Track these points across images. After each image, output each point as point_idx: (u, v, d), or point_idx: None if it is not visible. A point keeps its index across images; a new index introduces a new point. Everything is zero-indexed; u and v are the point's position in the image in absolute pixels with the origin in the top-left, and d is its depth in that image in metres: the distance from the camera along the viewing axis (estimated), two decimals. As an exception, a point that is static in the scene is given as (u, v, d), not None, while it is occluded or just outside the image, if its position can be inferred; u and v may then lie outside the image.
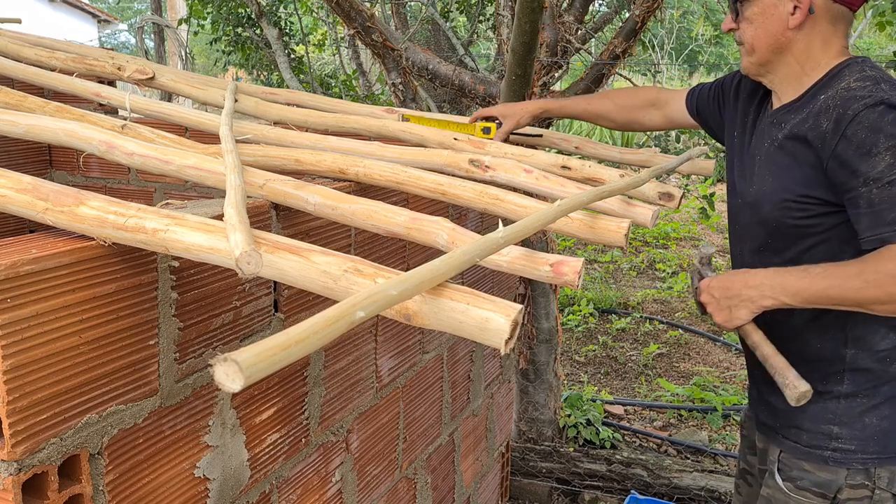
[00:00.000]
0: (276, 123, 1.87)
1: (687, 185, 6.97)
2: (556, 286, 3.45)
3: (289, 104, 2.02)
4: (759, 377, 1.61)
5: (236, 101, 1.78)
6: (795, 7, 1.47)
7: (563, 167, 1.55)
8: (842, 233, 1.43)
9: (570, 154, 1.90)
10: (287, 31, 5.60)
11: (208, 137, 1.68)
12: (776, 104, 1.56)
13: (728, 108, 1.72)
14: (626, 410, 4.07)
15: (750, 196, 1.55)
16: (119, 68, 1.99)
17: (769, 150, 1.53)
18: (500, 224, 0.92)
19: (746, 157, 1.60)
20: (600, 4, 4.55)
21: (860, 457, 1.48)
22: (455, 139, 1.68)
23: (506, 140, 1.90)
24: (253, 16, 5.40)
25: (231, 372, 0.54)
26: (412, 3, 5.25)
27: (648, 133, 4.93)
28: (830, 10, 1.47)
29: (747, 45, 1.55)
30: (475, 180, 1.31)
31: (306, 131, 1.85)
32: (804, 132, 1.44)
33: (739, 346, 4.93)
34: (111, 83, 2.20)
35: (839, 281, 1.35)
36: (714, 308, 1.48)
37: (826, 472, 1.51)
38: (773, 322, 1.49)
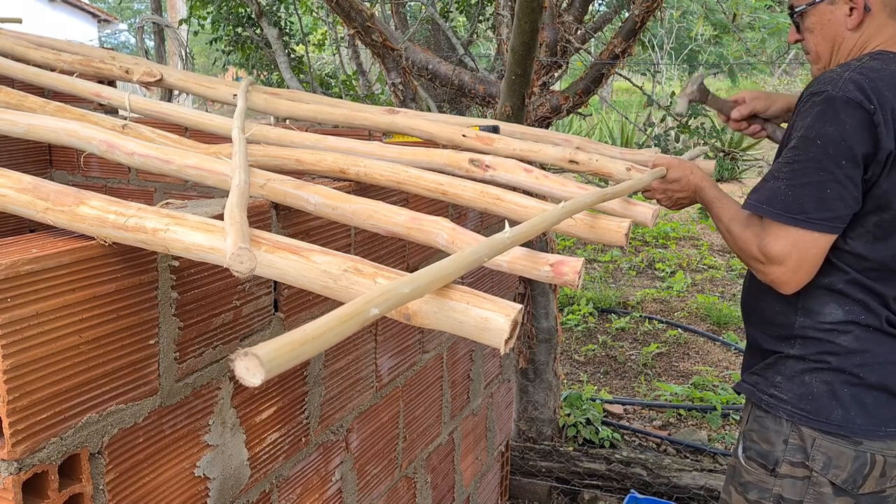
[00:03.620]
0: (285, 120, 1.87)
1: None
2: (555, 286, 3.45)
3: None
4: (749, 337, 1.76)
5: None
6: (852, 8, 1.53)
7: (571, 161, 1.56)
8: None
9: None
10: (287, 30, 5.60)
11: (208, 137, 1.68)
12: None
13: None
14: (625, 410, 4.07)
15: None
16: (127, 71, 1.99)
17: None
18: (507, 225, 0.93)
19: None
20: (600, 4, 4.55)
21: (789, 409, 1.58)
22: (463, 136, 1.67)
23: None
24: (253, 15, 5.39)
25: (252, 366, 0.55)
26: (412, 3, 5.25)
27: (648, 133, 4.93)
28: (888, 4, 1.53)
29: (812, 53, 1.63)
30: (476, 180, 1.31)
31: (311, 129, 1.85)
32: None
33: (739, 346, 4.93)
34: (111, 83, 2.20)
35: (724, 215, 1.62)
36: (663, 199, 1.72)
37: (765, 440, 1.61)
38: (746, 288, 1.74)
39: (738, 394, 1.72)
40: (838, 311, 1.55)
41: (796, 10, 1.62)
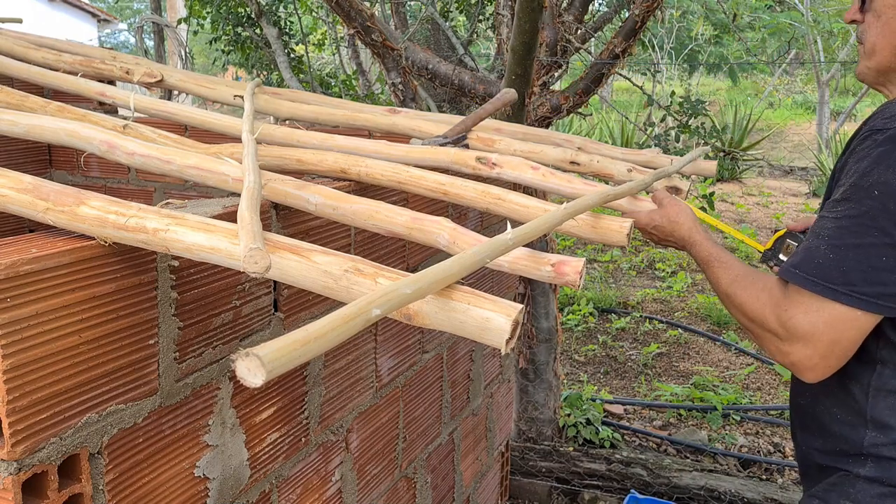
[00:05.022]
0: (286, 120, 1.86)
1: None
2: (555, 286, 3.45)
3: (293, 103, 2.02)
4: (802, 455, 1.47)
5: (243, 97, 1.77)
6: None
7: (572, 162, 1.56)
8: None
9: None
10: (287, 30, 5.60)
11: (208, 136, 1.68)
12: None
13: None
14: (625, 410, 4.07)
15: None
16: (127, 72, 1.99)
17: None
18: (509, 225, 0.92)
19: None
20: (600, 4, 4.55)
21: None
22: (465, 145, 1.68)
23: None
24: (252, 15, 5.39)
25: (253, 367, 0.55)
26: (412, 3, 5.25)
27: (648, 133, 4.93)
28: None
29: (868, 44, 1.29)
30: (482, 178, 1.31)
31: (312, 128, 1.85)
32: None
33: (739, 346, 4.93)
34: (111, 83, 2.20)
35: (722, 277, 1.35)
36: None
37: None
38: (796, 386, 1.43)
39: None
40: None
41: None
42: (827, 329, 1.17)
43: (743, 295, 1.28)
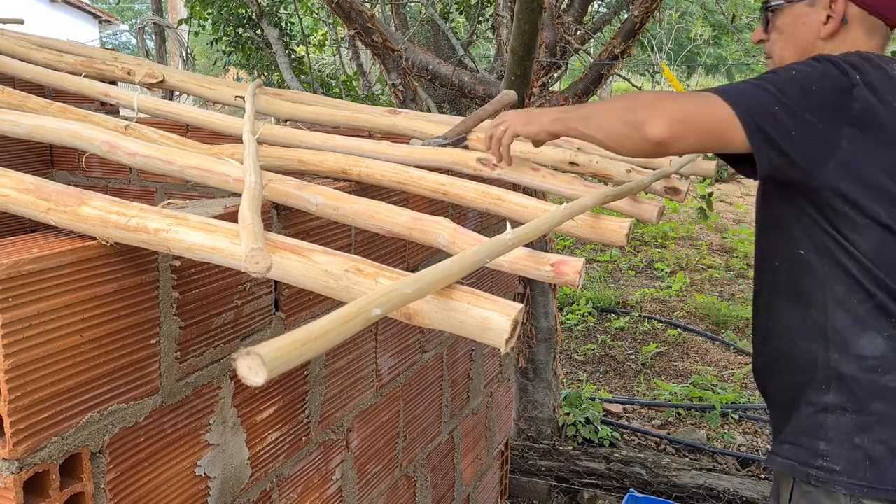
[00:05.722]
0: (286, 121, 1.87)
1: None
2: (555, 285, 3.45)
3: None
4: (771, 402, 1.53)
5: (244, 98, 1.78)
6: (829, 16, 1.40)
7: (572, 163, 1.56)
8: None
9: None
10: (287, 31, 5.60)
11: (209, 137, 1.68)
12: None
13: None
14: (624, 409, 4.07)
15: None
16: (129, 73, 2.00)
17: None
18: (508, 226, 0.93)
19: None
20: (599, 5, 4.55)
21: (846, 480, 1.32)
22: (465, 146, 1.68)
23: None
24: (253, 16, 5.40)
25: (254, 366, 0.55)
26: (412, 4, 5.25)
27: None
28: (865, 21, 1.40)
29: (776, 57, 1.48)
30: (483, 179, 1.32)
31: (314, 128, 1.85)
32: None
33: (738, 345, 4.93)
34: (112, 83, 2.20)
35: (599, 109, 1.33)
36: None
37: None
38: (766, 326, 1.49)
39: (770, 470, 1.40)
40: (879, 339, 1.31)
41: (771, 5, 1.48)
42: (702, 107, 1.24)
43: (624, 102, 1.31)
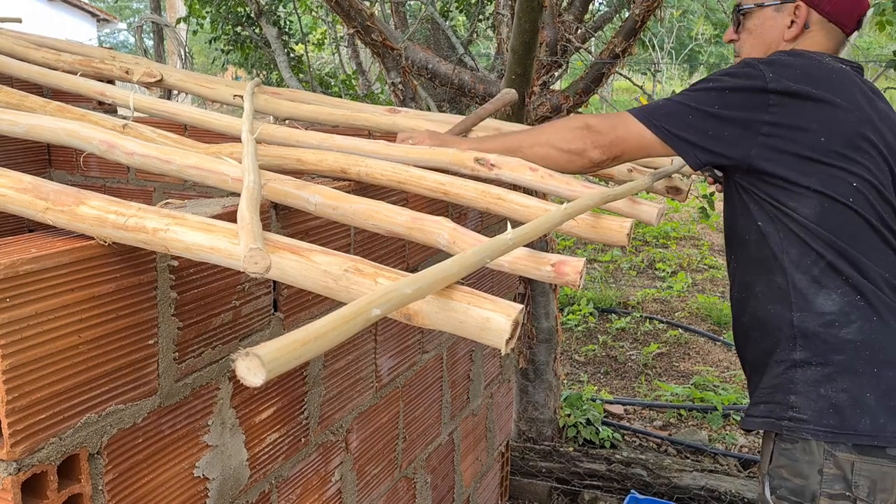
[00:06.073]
0: (285, 120, 1.86)
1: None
2: (555, 286, 3.45)
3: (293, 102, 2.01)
4: (749, 369, 1.63)
5: (242, 97, 1.77)
6: (792, 21, 1.56)
7: None
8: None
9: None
10: (286, 30, 5.60)
11: (207, 136, 1.67)
12: None
13: None
14: (625, 410, 4.07)
15: None
16: (127, 72, 1.99)
17: None
18: (509, 226, 0.92)
19: None
20: (600, 3, 4.55)
21: (812, 428, 1.43)
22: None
23: None
24: (252, 15, 5.39)
25: (253, 366, 0.55)
26: (412, 2, 5.25)
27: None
28: (825, 27, 1.56)
29: (744, 55, 1.62)
30: (481, 179, 1.31)
31: (311, 127, 1.84)
32: None
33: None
34: (110, 82, 2.20)
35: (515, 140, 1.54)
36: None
37: (797, 473, 1.45)
38: (741, 298, 1.60)
39: (749, 431, 1.58)
40: (834, 295, 1.44)
41: (743, 8, 1.63)
42: (622, 130, 1.48)
43: (553, 135, 1.52)
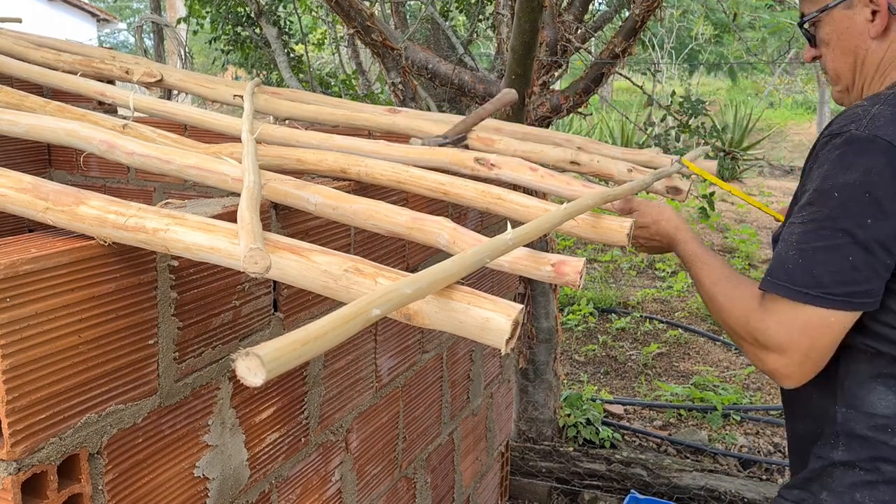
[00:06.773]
0: (285, 120, 1.86)
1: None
2: (555, 286, 3.45)
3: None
4: (792, 443, 1.49)
5: (242, 97, 1.77)
6: (874, 12, 1.28)
7: (573, 162, 1.55)
8: None
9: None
10: (286, 30, 5.59)
11: (207, 136, 1.67)
12: None
13: None
14: (625, 410, 4.07)
15: None
16: (127, 72, 1.99)
17: None
18: (509, 226, 0.92)
19: None
20: (600, 3, 4.55)
21: None
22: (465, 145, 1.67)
23: None
24: (252, 15, 5.39)
25: (253, 366, 0.55)
26: (412, 2, 5.25)
27: (648, 132, 4.93)
28: None
29: (831, 72, 1.38)
30: (481, 179, 1.31)
31: (311, 127, 1.84)
32: None
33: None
34: (110, 82, 2.20)
35: (705, 277, 1.38)
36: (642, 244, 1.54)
37: None
38: None
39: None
40: (891, 395, 1.23)
41: (807, 18, 1.36)
42: (802, 336, 1.18)
43: (723, 301, 1.31)
